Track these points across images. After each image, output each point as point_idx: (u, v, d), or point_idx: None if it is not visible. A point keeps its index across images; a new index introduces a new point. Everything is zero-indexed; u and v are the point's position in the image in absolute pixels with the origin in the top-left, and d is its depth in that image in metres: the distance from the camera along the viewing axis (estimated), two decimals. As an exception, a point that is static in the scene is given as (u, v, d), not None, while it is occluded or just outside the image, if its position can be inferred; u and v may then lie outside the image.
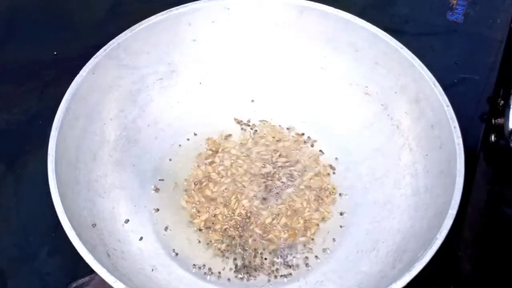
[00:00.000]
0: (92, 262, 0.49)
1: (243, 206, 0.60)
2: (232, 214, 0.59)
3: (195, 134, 0.65)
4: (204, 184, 0.61)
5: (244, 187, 0.61)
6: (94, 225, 0.55)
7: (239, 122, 0.66)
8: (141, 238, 0.58)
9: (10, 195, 0.63)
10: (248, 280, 0.57)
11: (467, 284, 0.59)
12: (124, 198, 0.60)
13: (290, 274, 0.57)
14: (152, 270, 0.56)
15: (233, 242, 0.58)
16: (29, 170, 0.65)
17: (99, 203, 0.57)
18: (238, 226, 0.59)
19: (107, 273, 0.48)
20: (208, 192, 0.61)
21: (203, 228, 0.59)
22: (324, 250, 0.58)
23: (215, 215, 0.59)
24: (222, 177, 0.62)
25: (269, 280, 0.57)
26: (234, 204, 0.60)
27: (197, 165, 0.63)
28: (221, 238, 0.58)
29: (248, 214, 0.59)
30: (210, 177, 0.62)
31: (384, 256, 0.55)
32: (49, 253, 0.60)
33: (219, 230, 0.59)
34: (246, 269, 0.57)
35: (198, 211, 0.60)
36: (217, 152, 0.63)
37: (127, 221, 0.59)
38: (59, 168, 0.53)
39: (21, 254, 0.60)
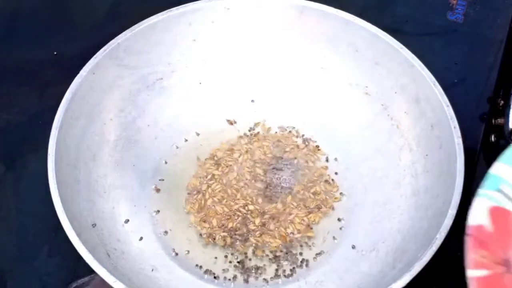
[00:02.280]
0: (92, 262, 0.49)
1: (244, 208, 0.60)
2: (233, 217, 0.59)
3: (197, 134, 0.65)
4: (206, 191, 0.61)
5: (245, 190, 0.61)
6: (94, 225, 0.55)
7: (231, 123, 0.66)
8: (141, 238, 0.58)
9: (10, 195, 0.63)
10: (248, 280, 0.57)
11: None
12: (124, 198, 0.60)
13: (290, 274, 0.57)
14: (152, 270, 0.56)
15: (234, 243, 0.58)
16: (29, 170, 0.65)
17: (99, 203, 0.57)
18: (238, 227, 0.59)
19: (107, 273, 0.48)
20: (209, 201, 0.60)
21: (206, 232, 0.59)
22: (324, 250, 0.58)
23: (219, 221, 0.59)
24: (223, 180, 0.62)
25: (268, 281, 0.57)
26: (235, 207, 0.60)
27: (198, 171, 0.63)
28: (222, 239, 0.58)
29: (249, 217, 0.59)
30: (210, 182, 0.62)
31: (384, 256, 0.55)
32: (49, 253, 0.60)
33: (220, 231, 0.59)
34: (246, 269, 0.57)
35: (204, 221, 0.60)
36: (216, 158, 0.63)
37: (127, 221, 0.59)
38: (59, 168, 0.53)
39: (21, 254, 0.60)
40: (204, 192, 0.61)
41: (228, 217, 0.59)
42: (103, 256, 0.52)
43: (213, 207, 0.60)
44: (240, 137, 0.65)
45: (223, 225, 0.59)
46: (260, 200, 0.60)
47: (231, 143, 0.64)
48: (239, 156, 0.63)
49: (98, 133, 0.60)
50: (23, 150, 0.66)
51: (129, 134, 0.62)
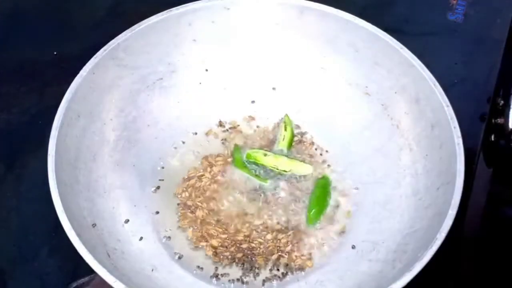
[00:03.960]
0: (92, 262, 0.49)
1: (243, 216, 0.60)
2: (231, 226, 0.59)
3: (197, 134, 0.65)
4: (199, 204, 0.61)
5: (242, 194, 0.61)
6: (94, 225, 0.55)
7: (221, 123, 0.66)
8: (141, 238, 0.58)
9: (10, 195, 0.63)
10: (248, 280, 0.57)
11: (467, 284, 0.59)
12: (124, 198, 0.60)
13: (290, 274, 0.57)
14: (152, 270, 0.56)
15: (233, 245, 0.58)
16: (29, 170, 0.65)
17: (99, 203, 0.57)
18: (238, 232, 0.59)
19: (107, 273, 0.48)
20: (202, 217, 0.60)
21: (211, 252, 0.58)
22: (324, 250, 0.58)
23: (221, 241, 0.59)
24: (217, 188, 0.62)
25: (268, 281, 0.57)
26: (234, 223, 0.60)
27: (187, 184, 0.62)
28: (221, 243, 0.58)
29: (246, 222, 0.59)
30: (202, 194, 0.61)
31: (384, 256, 0.55)
32: (49, 253, 0.60)
33: (224, 251, 0.58)
34: (246, 269, 0.57)
35: (206, 240, 0.59)
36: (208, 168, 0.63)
37: (127, 221, 0.58)
38: (59, 168, 0.53)
39: (21, 254, 0.60)
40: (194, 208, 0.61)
41: (228, 228, 0.59)
42: (103, 256, 0.52)
43: (208, 225, 0.59)
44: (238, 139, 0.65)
45: (225, 243, 0.58)
46: (258, 206, 0.61)
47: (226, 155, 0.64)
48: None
49: (98, 133, 0.60)
50: (23, 150, 0.66)
51: (129, 134, 0.62)
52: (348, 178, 0.62)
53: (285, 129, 0.64)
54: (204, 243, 0.58)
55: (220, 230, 0.59)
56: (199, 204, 0.60)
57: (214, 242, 0.58)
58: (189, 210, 0.60)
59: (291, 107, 0.66)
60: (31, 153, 0.65)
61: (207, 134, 0.65)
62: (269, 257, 0.57)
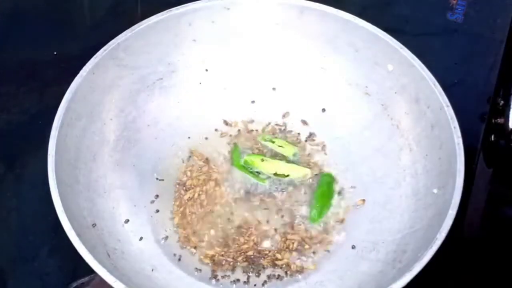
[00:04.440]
0: (92, 262, 0.49)
1: (239, 219, 0.60)
2: (229, 227, 0.60)
3: (197, 134, 0.65)
4: (194, 202, 0.61)
5: (240, 195, 0.61)
6: (94, 225, 0.55)
7: (227, 123, 0.66)
8: (141, 238, 0.58)
9: (10, 195, 0.63)
10: (248, 280, 0.57)
11: (467, 284, 0.59)
12: (124, 198, 0.60)
13: (290, 274, 0.57)
14: (152, 270, 0.56)
15: (240, 255, 0.58)
16: (29, 170, 0.65)
17: (99, 203, 0.57)
18: (236, 235, 0.59)
19: (107, 273, 0.48)
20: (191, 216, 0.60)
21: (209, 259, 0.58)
22: (324, 250, 0.58)
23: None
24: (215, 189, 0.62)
25: (268, 281, 0.57)
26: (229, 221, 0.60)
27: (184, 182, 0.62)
28: (219, 253, 0.58)
29: (246, 225, 0.59)
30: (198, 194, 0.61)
31: (384, 256, 0.55)
32: (49, 253, 0.60)
33: (221, 256, 0.58)
34: (246, 270, 0.57)
35: (194, 247, 0.59)
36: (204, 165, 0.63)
37: (127, 221, 0.58)
38: (59, 168, 0.53)
39: (21, 254, 0.60)
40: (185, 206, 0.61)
41: (226, 229, 0.59)
42: (103, 256, 0.52)
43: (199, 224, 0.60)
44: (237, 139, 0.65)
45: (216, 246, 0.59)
46: (256, 209, 0.61)
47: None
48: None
49: (98, 133, 0.60)
50: (23, 150, 0.66)
51: (129, 134, 0.62)
52: (348, 178, 0.62)
53: (273, 142, 0.63)
54: (192, 247, 0.58)
55: (208, 243, 0.59)
56: (196, 183, 0.61)
57: (210, 252, 0.58)
58: (183, 188, 0.60)
59: (291, 107, 0.66)
60: (31, 153, 0.65)
61: (207, 133, 0.65)
62: (276, 255, 0.57)
